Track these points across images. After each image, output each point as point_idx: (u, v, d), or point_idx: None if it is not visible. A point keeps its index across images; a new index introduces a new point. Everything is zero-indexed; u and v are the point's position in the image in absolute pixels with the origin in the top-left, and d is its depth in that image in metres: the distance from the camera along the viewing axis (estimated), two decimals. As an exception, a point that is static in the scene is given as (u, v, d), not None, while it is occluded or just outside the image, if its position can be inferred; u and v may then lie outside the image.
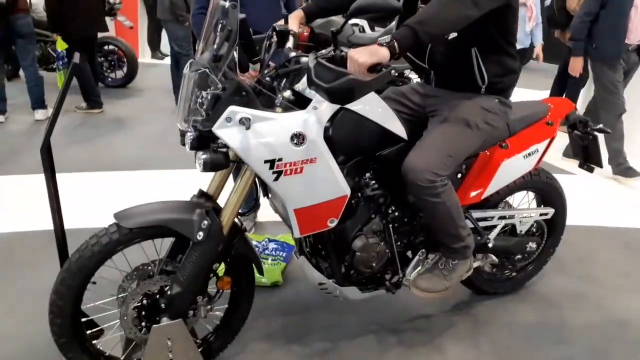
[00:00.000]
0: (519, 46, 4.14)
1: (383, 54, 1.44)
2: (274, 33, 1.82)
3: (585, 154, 2.39)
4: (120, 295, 1.80)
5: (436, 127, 1.87)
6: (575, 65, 4.19)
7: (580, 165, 2.46)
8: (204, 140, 1.68)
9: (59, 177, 1.91)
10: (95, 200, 3.32)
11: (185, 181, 2.58)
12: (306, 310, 2.40)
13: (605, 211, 3.63)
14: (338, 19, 3.69)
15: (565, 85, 5.27)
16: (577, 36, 4.09)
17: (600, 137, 2.38)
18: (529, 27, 4.56)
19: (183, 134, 1.66)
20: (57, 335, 1.70)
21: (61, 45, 5.10)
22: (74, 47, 5.14)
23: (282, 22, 1.88)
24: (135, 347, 1.89)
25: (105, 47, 6.22)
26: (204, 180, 1.88)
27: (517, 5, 1.87)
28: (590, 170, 2.43)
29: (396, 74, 3.20)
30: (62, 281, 1.65)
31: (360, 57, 1.41)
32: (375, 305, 2.41)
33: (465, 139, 1.86)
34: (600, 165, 2.39)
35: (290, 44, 1.83)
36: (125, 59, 6.33)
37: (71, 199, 2.87)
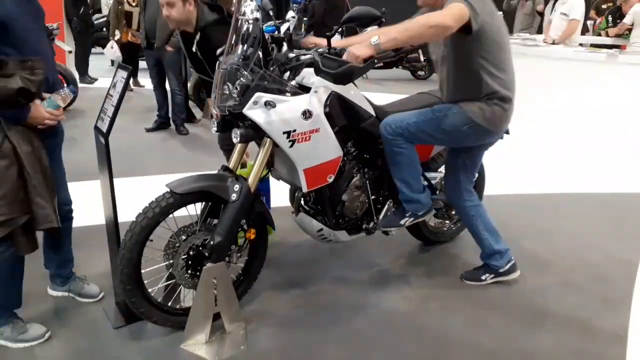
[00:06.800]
0: None
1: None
2: (271, 39, 2.40)
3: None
4: (167, 251, 2.26)
5: None
6: None
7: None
8: (227, 124, 2.25)
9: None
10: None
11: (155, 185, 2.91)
12: (297, 265, 2.98)
13: (512, 181, 4.50)
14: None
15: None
16: None
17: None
18: None
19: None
20: (124, 283, 2.13)
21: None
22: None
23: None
24: (177, 296, 2.37)
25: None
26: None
27: None
28: (501, 137, 3.18)
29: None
30: (130, 238, 2.10)
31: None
32: (349, 258, 3.03)
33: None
34: (508, 132, 3.14)
35: (285, 47, 2.41)
36: (65, 82, 6.49)
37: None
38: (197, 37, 2.81)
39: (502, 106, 2.44)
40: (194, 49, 2.85)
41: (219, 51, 2.49)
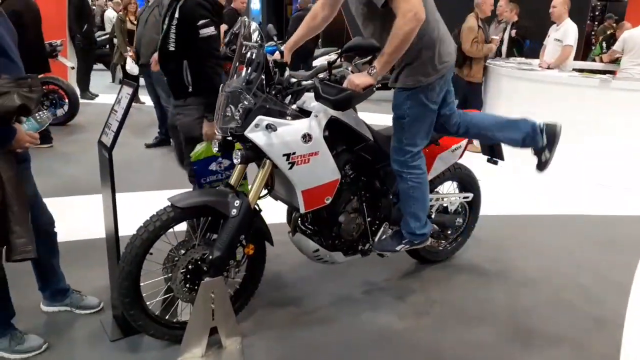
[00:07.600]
0: None
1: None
2: (274, 64, 2.48)
3: (491, 152, 3.24)
4: (167, 264, 2.31)
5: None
6: None
7: (488, 160, 3.30)
8: (227, 145, 2.33)
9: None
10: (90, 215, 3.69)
11: (153, 200, 2.82)
12: (294, 281, 3.04)
13: (507, 202, 4.58)
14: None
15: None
16: None
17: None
18: None
19: None
20: (123, 295, 2.17)
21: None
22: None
23: (277, 55, 2.54)
24: (174, 309, 2.42)
25: (45, 87, 6.44)
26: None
27: None
28: (495, 163, 3.27)
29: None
30: (130, 251, 2.15)
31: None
32: (345, 275, 3.09)
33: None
34: (503, 159, 3.23)
35: (287, 73, 2.49)
36: (66, 97, 6.58)
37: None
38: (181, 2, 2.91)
39: (434, 51, 2.44)
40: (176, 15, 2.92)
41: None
